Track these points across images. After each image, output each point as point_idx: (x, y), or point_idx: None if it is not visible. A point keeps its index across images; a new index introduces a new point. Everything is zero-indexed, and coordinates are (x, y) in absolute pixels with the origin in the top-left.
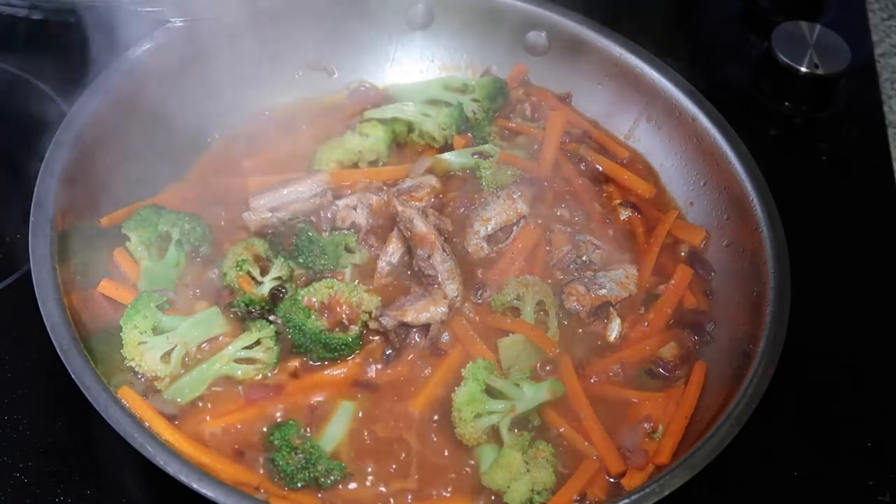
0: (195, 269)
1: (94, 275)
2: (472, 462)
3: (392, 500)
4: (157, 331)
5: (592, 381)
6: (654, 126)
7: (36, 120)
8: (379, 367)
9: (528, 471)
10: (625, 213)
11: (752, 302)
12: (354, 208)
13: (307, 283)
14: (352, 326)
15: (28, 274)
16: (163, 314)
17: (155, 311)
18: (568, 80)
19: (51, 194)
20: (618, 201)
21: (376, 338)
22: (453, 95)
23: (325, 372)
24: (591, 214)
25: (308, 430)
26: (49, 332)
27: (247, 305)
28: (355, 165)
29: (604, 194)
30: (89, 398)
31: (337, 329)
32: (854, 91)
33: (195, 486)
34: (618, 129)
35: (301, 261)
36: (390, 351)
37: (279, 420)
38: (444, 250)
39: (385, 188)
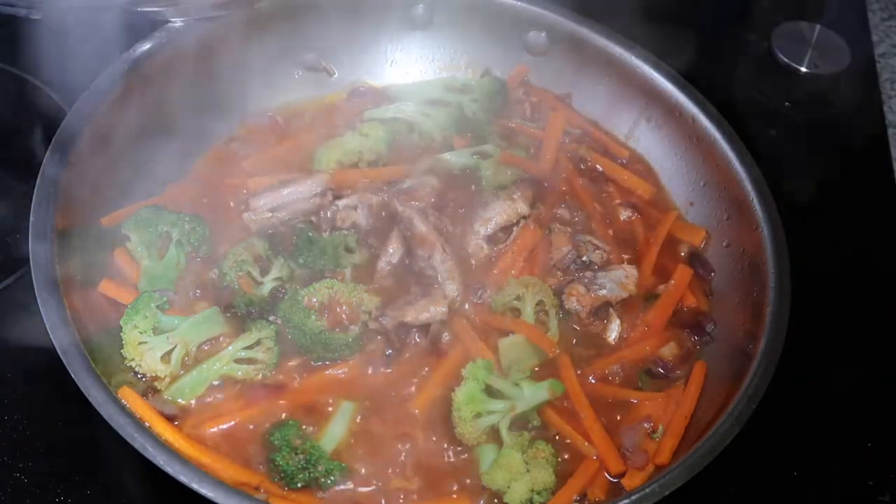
0: (195, 270)
1: (94, 275)
2: (472, 462)
3: (392, 500)
4: (157, 331)
5: (592, 381)
6: (654, 126)
7: (36, 120)
8: (379, 367)
9: (528, 471)
10: (625, 213)
11: (752, 302)
12: (354, 208)
13: (307, 284)
14: (352, 326)
15: (28, 274)
16: (163, 314)
17: (155, 311)
18: (568, 80)
19: (51, 195)
20: (618, 201)
21: (376, 338)
22: (453, 95)
23: (326, 372)
24: (591, 214)
25: (308, 430)
26: (49, 332)
27: (247, 305)
28: (355, 165)
29: (604, 194)
30: (89, 398)
31: (337, 329)
32: (854, 91)
33: (195, 486)
34: (618, 129)
35: (301, 261)
36: (390, 351)
37: (279, 420)
38: (444, 250)
39: (385, 188)
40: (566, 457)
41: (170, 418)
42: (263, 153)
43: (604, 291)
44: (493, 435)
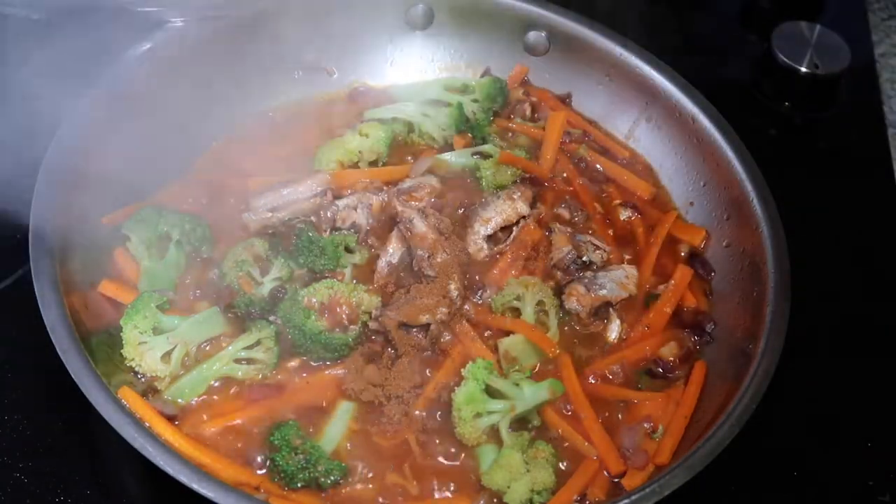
0: (195, 270)
1: (94, 275)
2: (472, 462)
3: (391, 500)
4: (157, 331)
5: (592, 381)
6: (654, 126)
7: (36, 120)
8: (379, 367)
9: (528, 471)
10: (625, 213)
11: (752, 302)
12: (354, 208)
13: (307, 284)
14: (352, 326)
15: (28, 274)
16: (163, 314)
17: (155, 311)
18: (568, 80)
19: (51, 194)
20: (618, 201)
21: (376, 338)
22: (453, 96)
23: (326, 372)
24: (591, 214)
25: (308, 430)
26: (49, 332)
27: (247, 305)
28: (355, 165)
29: (604, 194)
30: (89, 398)
31: (337, 329)
32: (854, 91)
33: (195, 486)
34: (618, 129)
35: (301, 261)
36: (391, 350)
37: (279, 420)
38: (444, 250)
39: (385, 188)
40: (566, 457)
41: (170, 418)
42: (263, 153)
43: (604, 291)
44: (493, 435)
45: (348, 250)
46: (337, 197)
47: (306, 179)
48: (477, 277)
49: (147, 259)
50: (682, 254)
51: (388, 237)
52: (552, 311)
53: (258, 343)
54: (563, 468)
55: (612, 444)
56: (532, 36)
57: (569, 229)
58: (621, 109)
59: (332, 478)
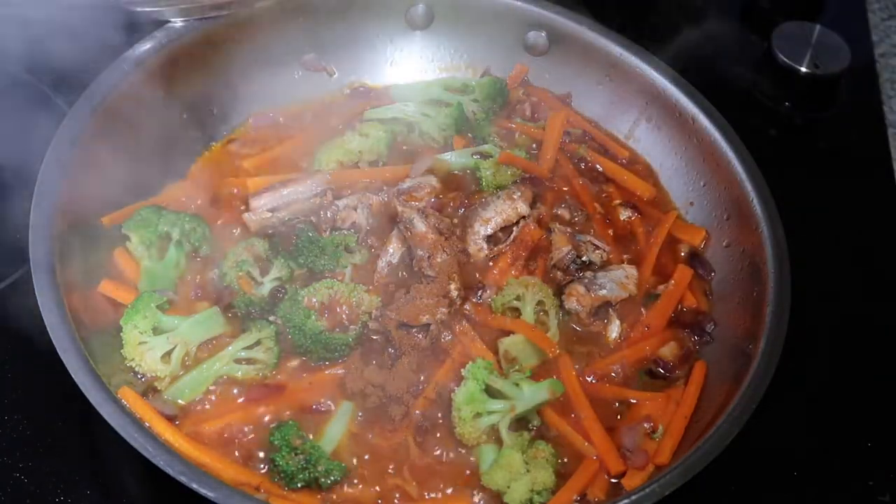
0: (195, 269)
1: (94, 275)
2: (472, 462)
3: (392, 500)
4: (157, 331)
5: (592, 381)
6: (654, 126)
7: (36, 120)
8: (379, 367)
9: (527, 471)
10: (625, 214)
11: (752, 302)
12: (354, 208)
13: (307, 284)
14: (352, 326)
15: (28, 274)
16: (163, 314)
17: (155, 311)
18: (568, 80)
19: (51, 194)
20: (618, 201)
21: (376, 338)
22: (453, 96)
23: (326, 372)
24: (591, 214)
25: (308, 430)
26: (49, 332)
27: (247, 305)
28: (355, 165)
29: (604, 194)
30: (89, 398)
31: (337, 329)
32: (854, 91)
33: (195, 486)
34: (618, 129)
35: (301, 261)
36: (391, 350)
37: (279, 420)
38: (444, 250)
39: (385, 188)
40: (566, 457)
41: (170, 418)
42: (263, 153)
43: (604, 291)
44: (493, 435)
45: (348, 250)
46: (337, 197)
47: (306, 179)
48: (477, 277)
49: (147, 259)
50: (682, 254)
51: (388, 237)
52: (552, 311)
53: (258, 343)
54: (562, 468)
55: (612, 444)
56: (532, 36)
57: (569, 229)
58: (621, 109)
59: (332, 478)
